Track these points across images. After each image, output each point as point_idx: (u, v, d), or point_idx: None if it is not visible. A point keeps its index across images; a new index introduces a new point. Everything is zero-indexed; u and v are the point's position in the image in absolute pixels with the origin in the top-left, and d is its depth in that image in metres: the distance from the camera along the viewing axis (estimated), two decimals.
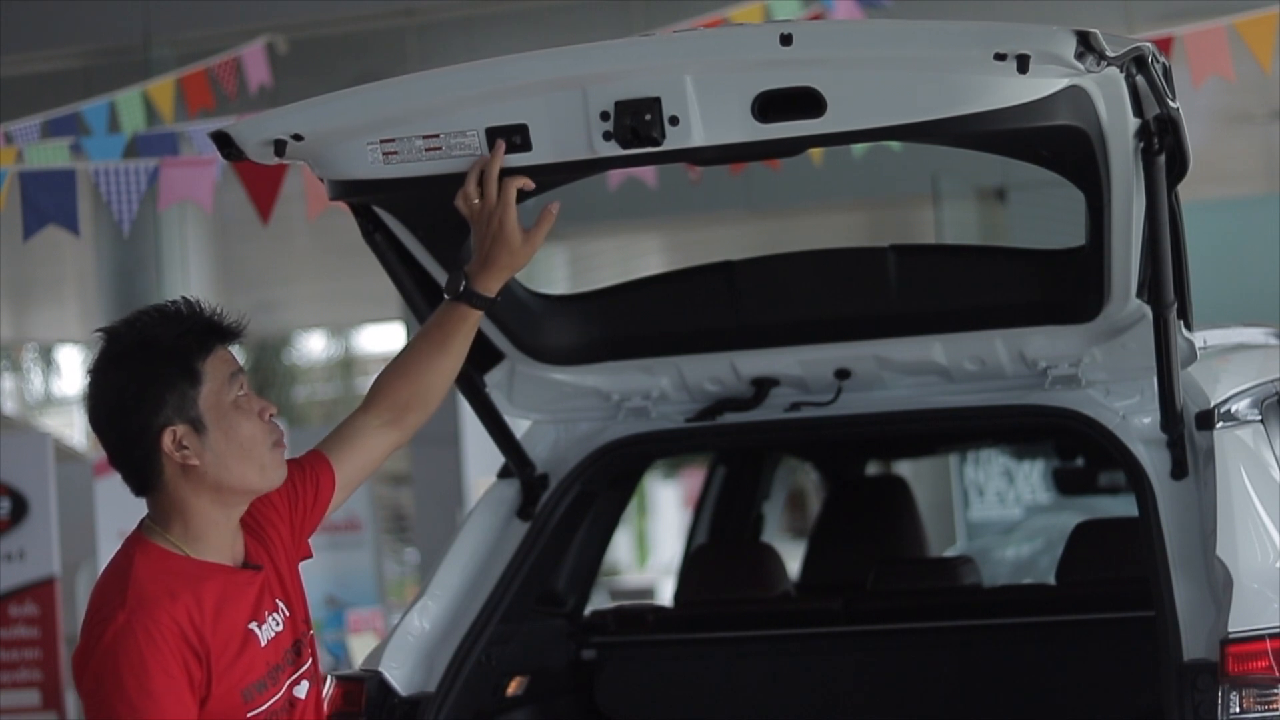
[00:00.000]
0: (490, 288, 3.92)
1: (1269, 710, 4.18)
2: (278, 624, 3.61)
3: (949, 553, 10.41)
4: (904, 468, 9.38)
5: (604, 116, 3.90)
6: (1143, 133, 4.07)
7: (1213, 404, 4.71)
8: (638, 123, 3.89)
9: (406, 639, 4.95)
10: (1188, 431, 4.66)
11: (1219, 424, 4.67)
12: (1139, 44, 3.87)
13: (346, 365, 29.41)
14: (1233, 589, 4.31)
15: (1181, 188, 4.28)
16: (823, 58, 3.82)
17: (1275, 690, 4.19)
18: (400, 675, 4.88)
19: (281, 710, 3.58)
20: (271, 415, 3.61)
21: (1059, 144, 4.07)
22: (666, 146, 3.91)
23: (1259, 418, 4.78)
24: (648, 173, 10.08)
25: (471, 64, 4.03)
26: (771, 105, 3.86)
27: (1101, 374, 4.82)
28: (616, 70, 3.89)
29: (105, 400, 3.55)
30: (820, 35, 3.85)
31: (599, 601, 7.39)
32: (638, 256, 18.62)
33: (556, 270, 17.41)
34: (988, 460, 13.30)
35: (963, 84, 3.79)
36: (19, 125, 9.60)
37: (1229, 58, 8.55)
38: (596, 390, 5.14)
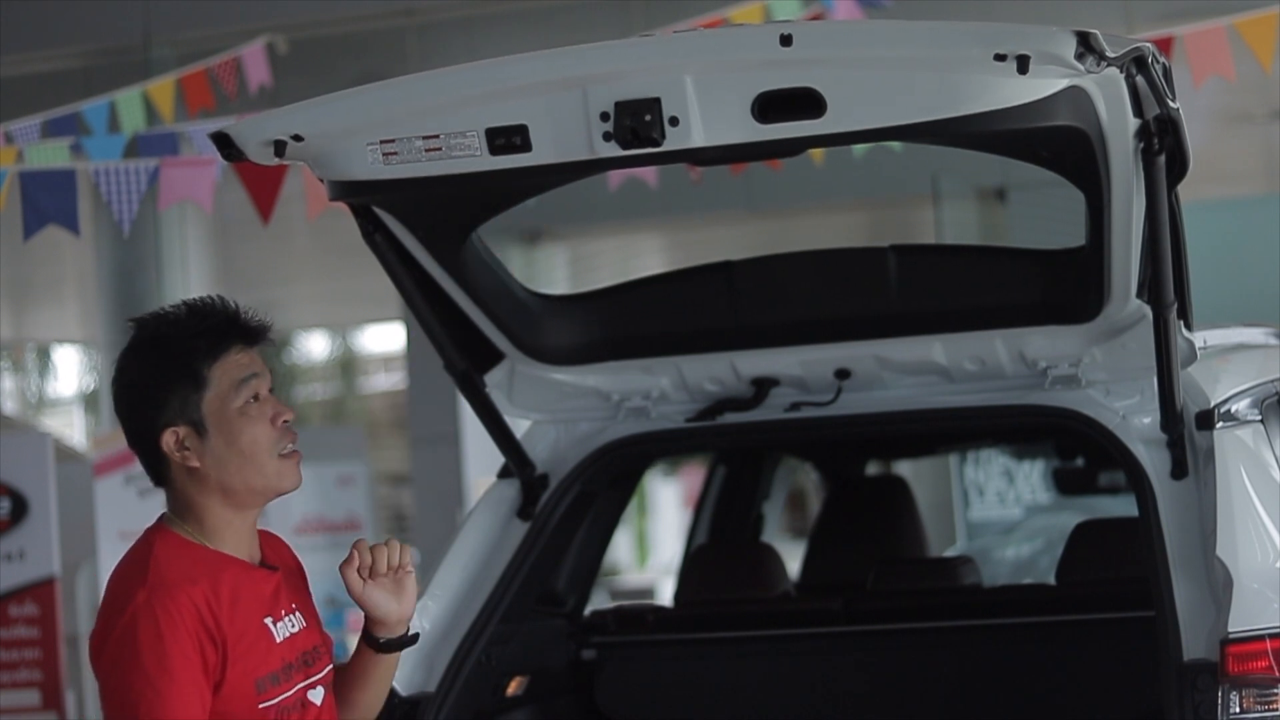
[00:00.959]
0: (398, 630, 3.81)
1: (1269, 710, 4.19)
2: (294, 625, 3.64)
3: (949, 553, 10.41)
4: (904, 468, 9.37)
5: (604, 117, 3.90)
6: (1143, 133, 4.07)
7: (1213, 404, 4.71)
8: (638, 123, 3.88)
9: None
10: (1188, 431, 4.66)
11: (1219, 424, 4.67)
12: (1139, 44, 3.87)
13: (346, 365, 29.42)
14: (1233, 589, 4.31)
15: (1181, 188, 4.28)
16: (822, 58, 3.82)
17: (1275, 690, 4.19)
18: (400, 675, 4.86)
19: (293, 709, 3.60)
20: (285, 421, 3.61)
21: (1059, 144, 4.07)
22: (667, 147, 3.91)
23: (1259, 418, 4.78)
24: (648, 173, 10.08)
25: (471, 64, 4.03)
26: (771, 106, 3.86)
27: (1101, 374, 4.82)
28: (616, 71, 3.89)
29: (120, 390, 3.62)
30: (820, 36, 3.85)
31: (599, 601, 7.39)
32: (638, 256, 18.61)
33: (557, 270, 17.41)
34: (988, 460, 13.29)
35: (963, 84, 3.79)
36: (19, 125, 9.59)
37: (1229, 58, 8.54)
38: (596, 390, 5.14)
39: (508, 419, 5.12)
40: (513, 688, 5.25)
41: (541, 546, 5.17)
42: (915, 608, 5.60)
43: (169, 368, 3.56)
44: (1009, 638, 5.39)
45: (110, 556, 9.88)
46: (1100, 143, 4.05)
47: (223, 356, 3.58)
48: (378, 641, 3.79)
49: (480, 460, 11.90)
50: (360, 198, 4.29)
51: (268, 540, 3.73)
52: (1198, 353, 4.61)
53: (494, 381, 5.06)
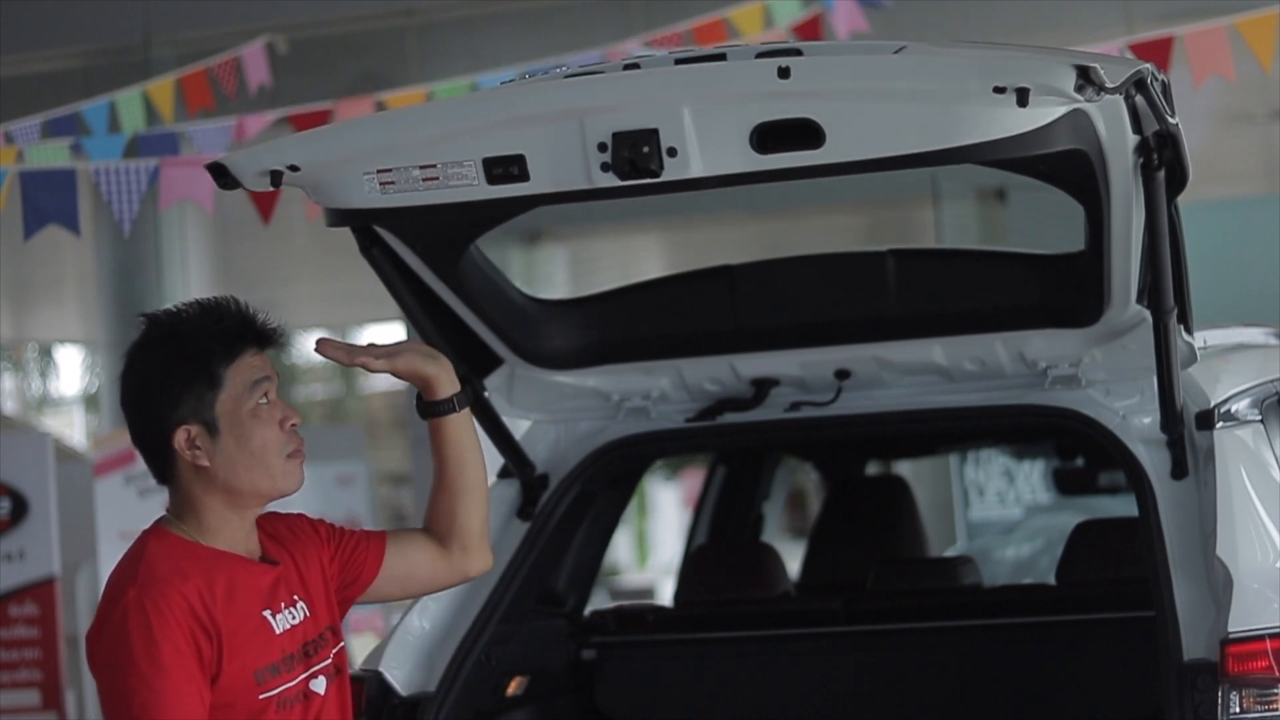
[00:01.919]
0: (443, 392, 3.88)
1: (1269, 710, 4.19)
2: (295, 617, 3.66)
3: (949, 553, 10.40)
4: (904, 468, 9.36)
5: (601, 148, 3.89)
6: (1142, 149, 4.06)
7: (1213, 404, 4.71)
8: (635, 154, 3.87)
9: (406, 639, 4.96)
10: (1188, 431, 4.66)
11: (1219, 424, 4.67)
12: (1138, 68, 3.85)
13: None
14: (1233, 589, 4.31)
15: None
16: (821, 90, 3.81)
17: (1275, 690, 4.19)
18: (400, 675, 4.89)
19: (295, 700, 3.63)
20: (293, 425, 3.64)
21: (1059, 163, 4.05)
22: (665, 177, 3.90)
23: (1259, 418, 4.78)
24: None
25: (468, 95, 4.03)
26: (770, 136, 3.85)
27: (1101, 374, 4.82)
28: (614, 102, 3.89)
29: (131, 385, 3.63)
30: (818, 68, 3.82)
31: (599, 601, 7.38)
32: (638, 258, 18.61)
33: (557, 272, 17.41)
34: (988, 460, 13.27)
35: (962, 116, 3.77)
36: (19, 125, 9.60)
37: (1229, 58, 8.53)
38: (596, 390, 5.14)
39: (507, 419, 5.12)
40: (513, 688, 5.25)
41: (541, 546, 5.17)
42: (915, 608, 5.61)
43: (185, 366, 3.58)
44: (1009, 638, 5.39)
45: (110, 556, 9.88)
46: (1100, 161, 4.03)
47: (238, 358, 3.61)
48: (438, 407, 3.85)
49: None
50: (358, 223, 4.30)
51: (276, 524, 3.74)
52: (1198, 354, 4.61)
53: (493, 385, 5.06)
